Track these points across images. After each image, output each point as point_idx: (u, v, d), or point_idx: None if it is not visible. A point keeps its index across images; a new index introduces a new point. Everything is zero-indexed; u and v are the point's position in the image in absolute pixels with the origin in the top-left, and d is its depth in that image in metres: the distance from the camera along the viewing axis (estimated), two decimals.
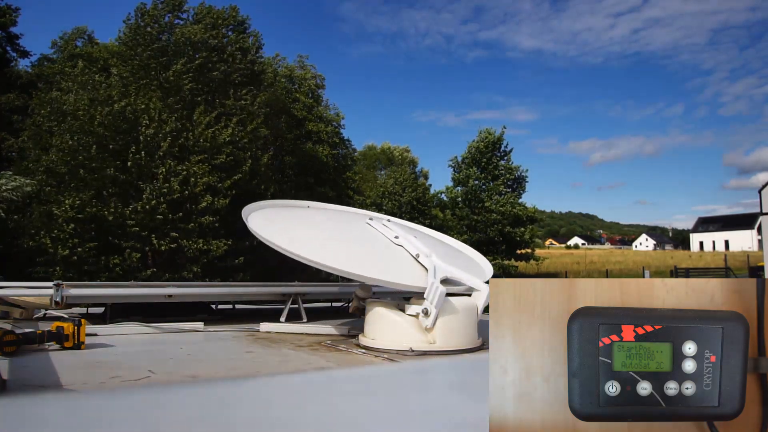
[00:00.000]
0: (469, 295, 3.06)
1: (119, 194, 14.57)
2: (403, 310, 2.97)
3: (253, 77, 19.66)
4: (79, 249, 13.74)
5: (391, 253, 3.37)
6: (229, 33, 19.41)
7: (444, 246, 4.26)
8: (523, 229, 29.06)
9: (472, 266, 3.88)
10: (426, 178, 47.05)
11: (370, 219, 3.88)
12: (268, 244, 3.32)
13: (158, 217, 14.16)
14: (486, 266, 3.91)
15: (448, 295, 2.85)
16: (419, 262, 3.23)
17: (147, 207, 14.05)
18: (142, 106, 14.93)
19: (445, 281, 3.01)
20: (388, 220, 3.92)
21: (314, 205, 4.76)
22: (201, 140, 15.58)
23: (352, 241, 3.63)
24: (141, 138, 14.61)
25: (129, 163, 14.36)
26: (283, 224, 3.89)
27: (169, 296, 3.85)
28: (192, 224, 14.81)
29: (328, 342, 3.20)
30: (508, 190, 30.42)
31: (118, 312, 3.85)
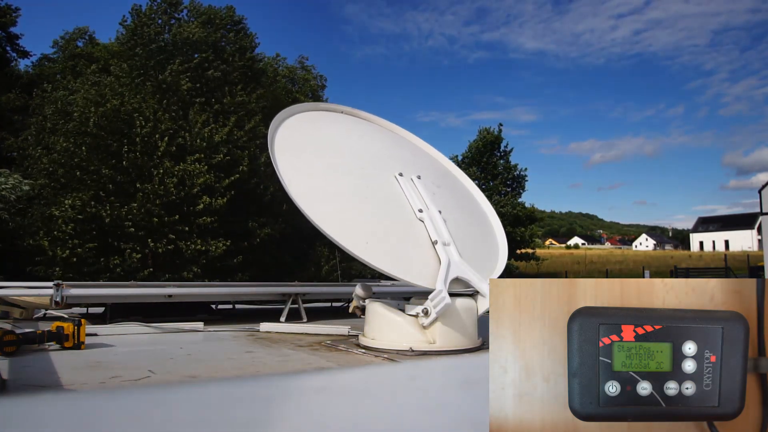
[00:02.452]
0: (472, 295, 3.05)
1: (117, 194, 14.57)
2: (403, 309, 2.97)
3: (253, 76, 19.66)
4: (78, 250, 13.75)
5: (409, 234, 3.15)
6: (225, 33, 19.41)
7: (472, 217, 3.88)
8: (522, 228, 29.08)
9: (489, 249, 3.66)
10: None
11: (400, 174, 3.46)
12: (291, 198, 3.10)
13: (154, 219, 14.17)
14: (502, 252, 3.71)
15: (451, 295, 2.84)
16: (436, 251, 3.08)
17: (142, 209, 14.06)
18: (135, 105, 14.92)
19: (455, 280, 2.97)
20: (418, 177, 3.52)
21: (347, 111, 4.25)
22: (198, 140, 15.56)
23: (375, 208, 3.28)
24: (137, 139, 14.60)
25: (125, 163, 14.36)
26: (309, 162, 3.47)
27: (169, 296, 3.85)
28: (189, 226, 14.81)
29: (328, 342, 3.20)
30: (507, 189, 30.47)
31: (118, 312, 3.85)
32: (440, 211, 3.29)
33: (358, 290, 3.24)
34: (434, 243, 3.09)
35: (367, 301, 3.12)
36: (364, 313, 3.14)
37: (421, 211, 3.23)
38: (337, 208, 3.17)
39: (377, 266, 2.87)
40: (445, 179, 4.06)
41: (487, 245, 3.72)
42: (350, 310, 3.36)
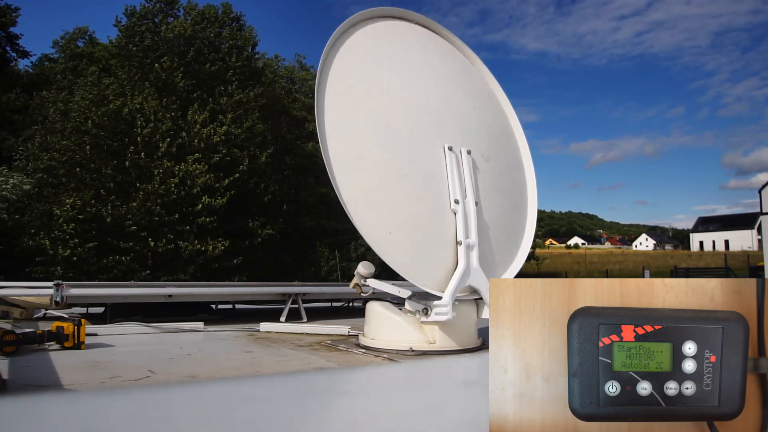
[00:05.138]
0: (475, 299, 3.04)
1: (118, 194, 14.59)
2: (404, 304, 2.94)
3: (251, 75, 19.67)
4: (78, 249, 13.76)
5: (438, 228, 2.91)
6: (221, 31, 19.43)
7: (510, 203, 3.54)
8: None
9: (513, 247, 3.46)
10: None
11: (449, 148, 3.08)
12: (325, 157, 2.75)
13: (155, 218, 14.19)
14: (522, 252, 3.50)
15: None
16: (457, 252, 2.90)
17: (143, 209, 14.08)
18: (138, 106, 14.95)
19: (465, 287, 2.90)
20: (468, 152, 3.16)
21: (422, 22, 3.61)
22: (197, 140, 15.59)
23: (412, 190, 2.92)
24: (138, 139, 14.63)
25: (127, 163, 14.38)
26: (358, 110, 2.98)
27: (169, 296, 3.85)
28: (188, 226, 14.84)
29: (328, 342, 3.20)
30: None
31: (118, 312, 3.85)
32: (477, 203, 3.06)
33: (361, 269, 3.10)
34: (458, 243, 2.91)
35: (368, 281, 3.03)
36: (364, 292, 3.07)
37: (457, 202, 2.97)
38: (371, 183, 2.85)
39: (391, 263, 2.72)
40: (498, 143, 3.63)
41: (512, 243, 3.49)
42: (351, 286, 3.27)
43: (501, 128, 3.78)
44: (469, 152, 3.17)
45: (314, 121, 2.93)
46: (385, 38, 3.34)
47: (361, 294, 3.13)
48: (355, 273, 3.15)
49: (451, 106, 3.37)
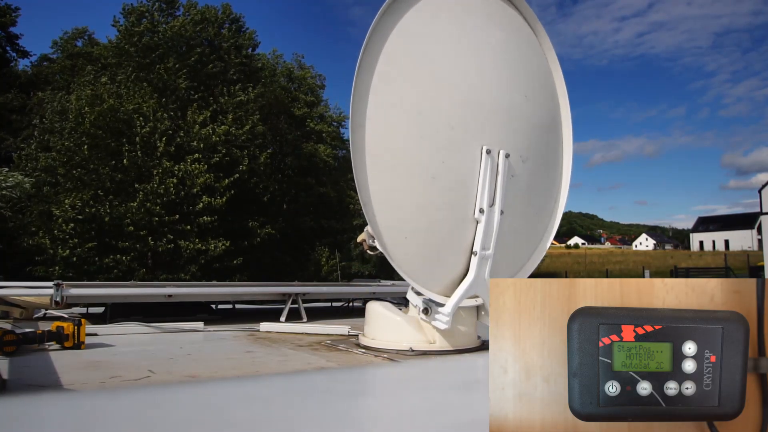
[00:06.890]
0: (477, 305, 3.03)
1: (117, 194, 14.59)
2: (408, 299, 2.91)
3: (251, 74, 19.69)
4: (78, 249, 13.76)
5: (456, 236, 2.79)
6: (222, 31, 19.45)
7: (537, 207, 3.39)
8: None
9: (525, 255, 3.35)
10: None
11: (488, 151, 2.80)
12: (353, 149, 2.54)
13: (155, 219, 14.19)
14: (532, 262, 3.40)
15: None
16: (469, 262, 2.82)
17: (142, 209, 14.08)
18: (134, 105, 14.94)
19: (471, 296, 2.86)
20: (506, 156, 2.88)
21: None
22: (196, 140, 15.59)
23: (439, 194, 2.73)
24: (137, 139, 14.63)
25: (125, 162, 14.37)
26: (400, 100, 2.67)
27: (169, 296, 3.86)
28: (189, 225, 14.84)
29: (328, 342, 3.20)
30: None
31: (118, 312, 3.85)
32: (502, 212, 2.88)
33: (370, 228, 2.90)
34: (474, 253, 2.81)
35: (376, 241, 2.86)
36: (370, 250, 2.95)
37: (482, 211, 2.80)
38: (397, 183, 2.66)
39: (399, 268, 2.65)
40: (541, 138, 3.29)
41: (528, 248, 3.38)
42: (358, 240, 3.10)
43: (549, 119, 3.41)
44: (507, 155, 2.89)
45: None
46: (445, 6, 2.90)
47: (367, 251, 2.98)
48: (365, 230, 2.99)
49: (501, 95, 2.99)
